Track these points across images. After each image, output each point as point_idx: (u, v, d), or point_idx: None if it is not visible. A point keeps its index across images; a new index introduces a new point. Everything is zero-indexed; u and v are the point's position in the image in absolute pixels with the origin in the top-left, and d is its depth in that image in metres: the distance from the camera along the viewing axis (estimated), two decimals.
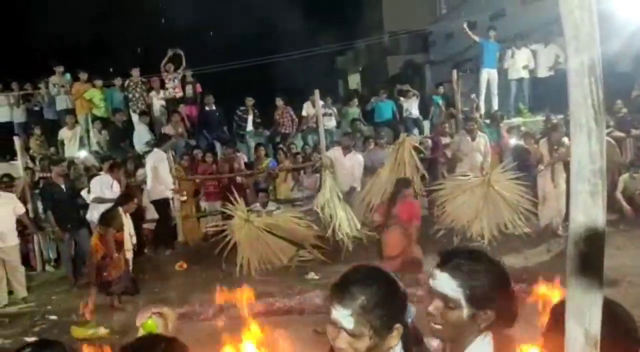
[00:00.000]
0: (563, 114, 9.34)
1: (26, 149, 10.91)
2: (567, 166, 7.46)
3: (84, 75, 11.90)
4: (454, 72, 10.36)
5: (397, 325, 1.51)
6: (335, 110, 12.66)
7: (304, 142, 12.10)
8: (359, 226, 7.98)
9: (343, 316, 1.48)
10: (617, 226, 7.95)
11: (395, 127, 12.05)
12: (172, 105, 11.90)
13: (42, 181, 9.25)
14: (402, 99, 12.77)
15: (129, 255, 6.96)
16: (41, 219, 8.81)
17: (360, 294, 1.49)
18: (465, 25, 12.39)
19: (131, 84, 11.78)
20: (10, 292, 7.49)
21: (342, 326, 1.49)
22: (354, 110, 12.65)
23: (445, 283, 1.57)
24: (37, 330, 6.37)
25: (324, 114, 11.53)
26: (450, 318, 1.57)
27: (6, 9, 19.17)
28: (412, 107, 12.63)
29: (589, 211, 1.02)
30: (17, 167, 9.44)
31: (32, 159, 11.11)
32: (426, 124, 12.89)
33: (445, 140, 9.78)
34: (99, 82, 11.99)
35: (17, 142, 9.44)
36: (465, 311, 1.55)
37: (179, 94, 12.02)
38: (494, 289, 1.57)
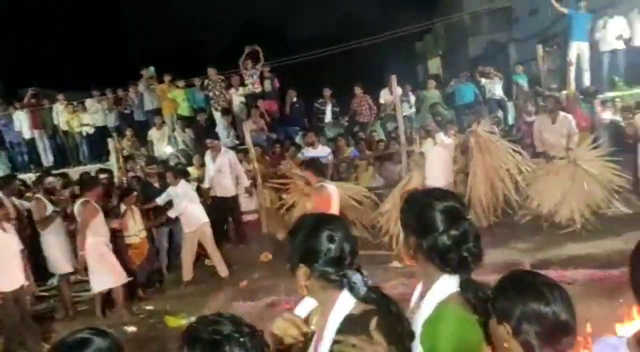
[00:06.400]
0: None
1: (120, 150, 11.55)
2: None
3: (167, 78, 12.46)
4: (539, 48, 9.81)
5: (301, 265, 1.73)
6: (413, 96, 12.41)
7: (384, 130, 11.97)
8: None
9: None
10: None
11: (478, 109, 11.62)
12: (252, 100, 12.15)
13: (134, 180, 9.68)
14: (483, 80, 12.30)
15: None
16: None
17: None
18: None
19: (210, 82, 12.15)
20: None
21: None
22: (433, 94, 12.32)
23: None
24: (136, 320, 6.73)
25: (403, 101, 11.34)
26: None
27: (100, 22, 20.55)
28: (495, 88, 12.12)
29: None
30: (111, 167, 10.04)
31: (126, 159, 11.74)
32: (511, 105, 12.34)
33: (529, 119, 9.28)
34: (180, 83, 12.51)
35: (110, 144, 10.04)
36: (402, 236, 1.85)
37: (258, 90, 12.24)
38: (410, 217, 1.79)
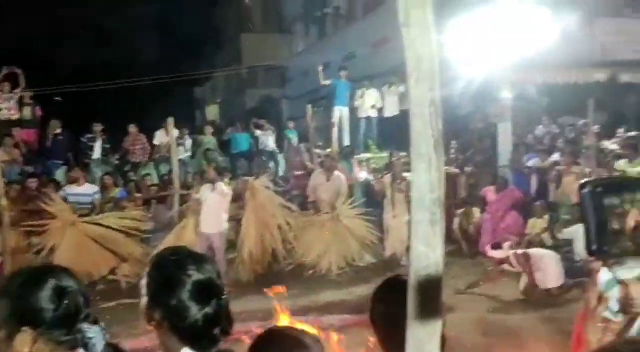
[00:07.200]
0: (407, 152, 9.97)
1: None
2: (408, 199, 7.94)
3: None
4: (309, 107, 10.69)
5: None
6: (189, 140, 12.34)
7: (157, 172, 11.60)
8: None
9: None
10: (453, 256, 8.61)
11: (252, 159, 12.07)
12: (6, 128, 10.75)
13: None
14: (258, 132, 12.87)
15: None
16: None
17: None
18: (320, 69, 12.78)
19: None
20: None
21: None
22: (209, 140, 12.43)
23: None
24: None
25: (179, 144, 11.20)
26: None
27: None
28: (268, 140, 12.75)
29: (429, 240, 1.03)
30: None
31: None
32: (282, 158, 13.09)
33: (298, 172, 9.99)
34: None
35: None
36: (144, 300, 1.51)
37: (15, 116, 10.92)
38: (157, 288, 1.51)
